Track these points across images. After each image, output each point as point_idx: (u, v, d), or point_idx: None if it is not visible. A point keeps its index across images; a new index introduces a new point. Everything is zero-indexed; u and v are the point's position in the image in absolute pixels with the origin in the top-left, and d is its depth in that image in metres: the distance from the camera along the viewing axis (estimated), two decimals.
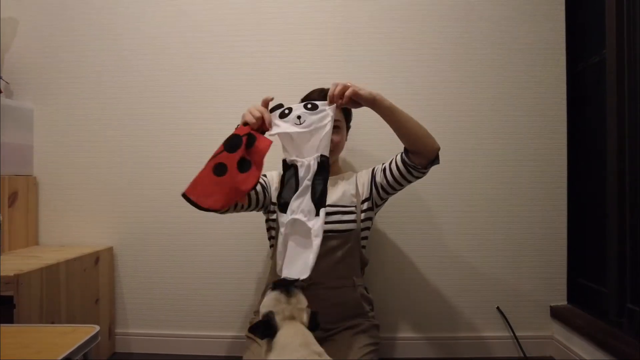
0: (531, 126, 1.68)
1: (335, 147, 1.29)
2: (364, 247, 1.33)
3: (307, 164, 1.08)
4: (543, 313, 1.68)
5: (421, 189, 1.65)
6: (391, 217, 1.65)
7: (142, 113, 1.72)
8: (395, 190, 1.27)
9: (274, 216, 1.30)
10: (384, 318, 1.67)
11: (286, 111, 1.10)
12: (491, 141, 1.68)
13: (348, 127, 1.36)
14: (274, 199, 1.31)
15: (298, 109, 1.11)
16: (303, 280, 1.18)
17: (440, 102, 1.67)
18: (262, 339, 0.94)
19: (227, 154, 1.04)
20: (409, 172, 1.20)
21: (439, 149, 1.18)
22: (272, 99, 1.12)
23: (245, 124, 1.09)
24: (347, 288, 1.24)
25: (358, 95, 1.07)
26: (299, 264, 1.05)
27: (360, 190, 1.31)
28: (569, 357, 1.55)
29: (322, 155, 1.08)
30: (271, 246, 1.35)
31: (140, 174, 1.72)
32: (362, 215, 1.28)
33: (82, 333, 0.96)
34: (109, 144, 1.73)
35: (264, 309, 0.97)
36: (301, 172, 1.09)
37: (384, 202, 1.34)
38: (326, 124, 1.09)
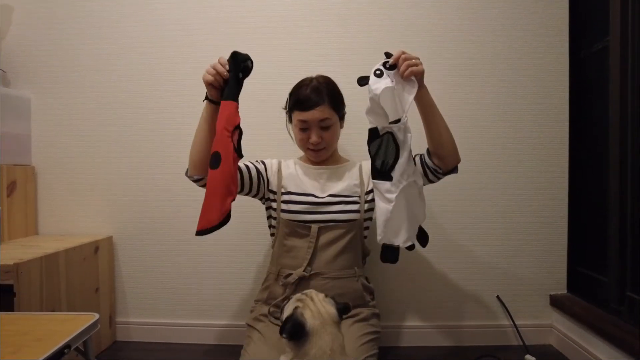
0: (533, 114, 1.66)
1: (329, 144, 1.29)
2: (366, 237, 1.33)
3: (404, 127, 1.06)
4: (543, 302, 1.68)
5: None
6: None
7: (142, 101, 1.71)
8: None
9: (274, 205, 1.29)
10: (385, 307, 1.67)
11: (378, 72, 1.07)
12: (492, 129, 1.67)
13: (342, 116, 1.34)
14: (273, 187, 1.30)
15: (382, 68, 1.08)
16: (304, 271, 1.19)
17: (440, 89, 1.65)
18: (290, 340, 0.89)
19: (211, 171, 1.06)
20: (426, 174, 1.21)
21: (460, 161, 1.20)
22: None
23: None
24: (348, 278, 1.24)
25: (422, 76, 1.08)
26: (407, 229, 1.09)
27: (365, 181, 1.31)
28: (569, 345, 1.55)
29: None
30: (272, 235, 1.34)
31: (140, 163, 1.71)
32: (366, 206, 1.28)
33: (82, 321, 0.96)
34: (107, 133, 1.72)
35: (287, 312, 0.94)
36: (400, 136, 1.07)
37: None
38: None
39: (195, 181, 1.21)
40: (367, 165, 1.32)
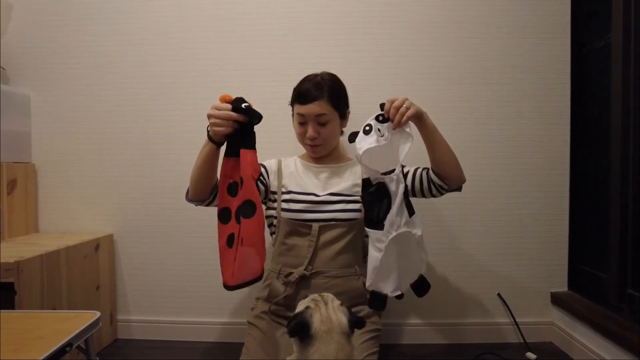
0: (534, 111, 1.66)
1: (326, 141, 1.28)
2: (367, 236, 1.33)
3: (397, 178, 1.07)
4: (543, 299, 1.69)
5: None
6: None
7: (142, 99, 1.70)
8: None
9: (274, 204, 1.29)
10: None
11: (367, 127, 1.07)
12: (492, 127, 1.66)
13: (343, 114, 1.32)
14: (273, 188, 1.30)
15: (374, 122, 1.08)
16: (305, 269, 1.18)
17: (441, 86, 1.65)
18: (291, 336, 0.89)
19: (221, 225, 1.09)
20: (430, 189, 1.22)
21: (464, 181, 1.21)
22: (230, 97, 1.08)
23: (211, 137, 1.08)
24: (349, 276, 1.24)
25: (418, 114, 1.08)
26: (396, 279, 1.12)
27: None
28: (569, 342, 1.56)
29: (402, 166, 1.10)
30: (272, 233, 1.34)
31: (140, 161, 1.71)
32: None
33: (83, 319, 0.96)
34: (108, 131, 1.71)
35: (299, 308, 0.94)
36: (392, 187, 1.08)
37: None
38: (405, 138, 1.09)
39: (197, 204, 1.21)
40: None
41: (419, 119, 1.10)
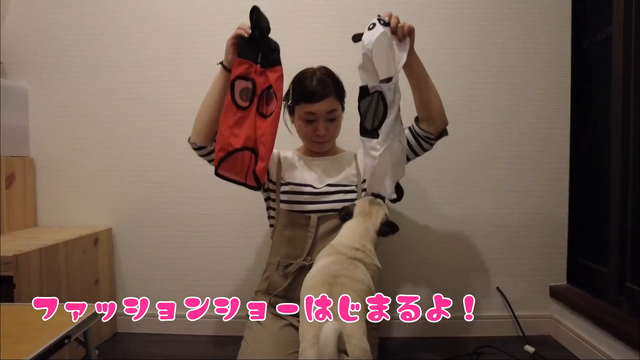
0: (534, 104, 1.65)
1: (334, 135, 1.31)
2: None
3: (394, 87, 1.08)
4: (542, 293, 1.69)
5: (421, 168, 1.64)
6: None
7: (140, 92, 1.69)
8: None
9: (273, 195, 1.29)
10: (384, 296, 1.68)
11: (371, 26, 1.08)
12: (492, 120, 1.66)
13: (344, 106, 1.33)
14: (273, 177, 1.30)
15: (376, 22, 1.08)
16: (305, 260, 1.18)
17: (440, 78, 1.63)
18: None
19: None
20: (418, 143, 1.22)
21: (447, 123, 1.23)
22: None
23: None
24: None
25: (413, 37, 1.09)
26: (390, 182, 1.14)
27: (362, 170, 1.30)
28: (568, 336, 1.56)
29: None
30: (271, 225, 1.34)
31: (139, 154, 1.71)
32: (363, 194, 1.28)
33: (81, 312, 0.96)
34: (106, 124, 1.71)
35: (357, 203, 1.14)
36: (390, 96, 1.08)
37: None
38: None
39: (196, 149, 1.23)
40: (361, 154, 1.30)
41: (413, 54, 1.11)
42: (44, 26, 1.70)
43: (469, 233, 1.69)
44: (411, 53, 1.10)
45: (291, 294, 1.18)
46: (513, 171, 1.67)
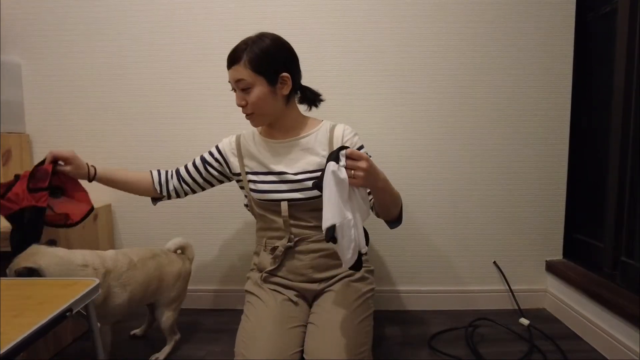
0: (534, 80, 1.63)
1: (256, 108, 1.14)
2: None
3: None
4: (538, 267, 1.71)
5: (419, 145, 1.64)
6: (388, 174, 1.64)
7: (136, 66, 1.66)
8: None
9: (243, 184, 1.26)
10: (382, 271, 1.70)
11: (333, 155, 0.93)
12: (491, 96, 1.64)
13: (272, 79, 1.12)
14: (235, 169, 1.26)
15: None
16: (289, 241, 1.18)
17: (439, 54, 1.62)
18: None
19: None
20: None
21: (400, 222, 1.16)
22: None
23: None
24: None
25: (372, 177, 0.97)
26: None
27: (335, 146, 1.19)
28: (562, 308, 1.59)
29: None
30: (245, 205, 1.33)
31: (136, 129, 1.69)
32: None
33: (82, 285, 0.96)
34: (101, 99, 1.68)
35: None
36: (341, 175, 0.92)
37: None
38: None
39: (159, 198, 1.39)
40: (339, 130, 1.20)
41: (373, 182, 0.99)
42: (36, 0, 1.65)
43: (466, 208, 1.69)
44: (374, 189, 1.02)
45: (282, 273, 1.21)
46: (511, 147, 1.66)
